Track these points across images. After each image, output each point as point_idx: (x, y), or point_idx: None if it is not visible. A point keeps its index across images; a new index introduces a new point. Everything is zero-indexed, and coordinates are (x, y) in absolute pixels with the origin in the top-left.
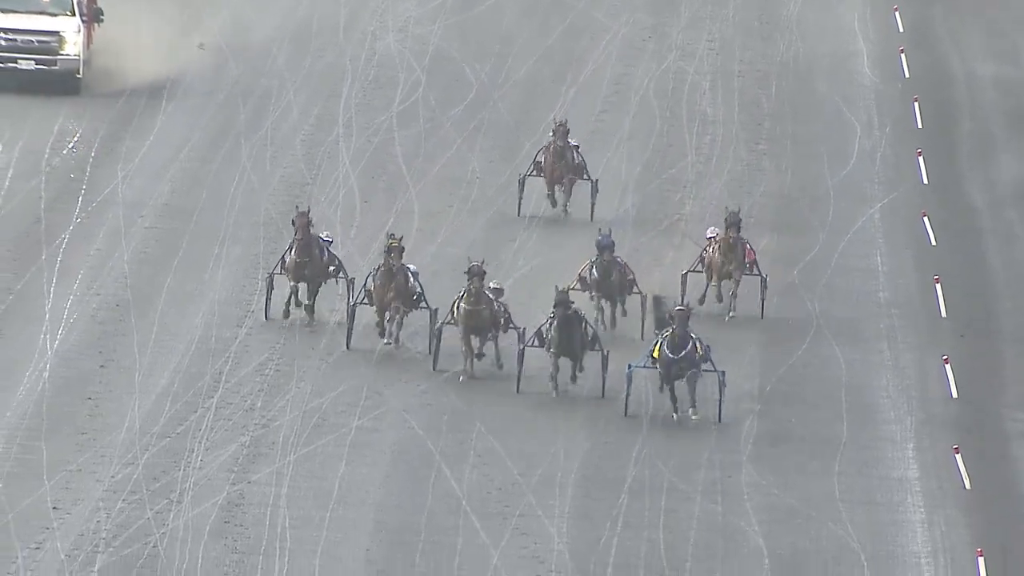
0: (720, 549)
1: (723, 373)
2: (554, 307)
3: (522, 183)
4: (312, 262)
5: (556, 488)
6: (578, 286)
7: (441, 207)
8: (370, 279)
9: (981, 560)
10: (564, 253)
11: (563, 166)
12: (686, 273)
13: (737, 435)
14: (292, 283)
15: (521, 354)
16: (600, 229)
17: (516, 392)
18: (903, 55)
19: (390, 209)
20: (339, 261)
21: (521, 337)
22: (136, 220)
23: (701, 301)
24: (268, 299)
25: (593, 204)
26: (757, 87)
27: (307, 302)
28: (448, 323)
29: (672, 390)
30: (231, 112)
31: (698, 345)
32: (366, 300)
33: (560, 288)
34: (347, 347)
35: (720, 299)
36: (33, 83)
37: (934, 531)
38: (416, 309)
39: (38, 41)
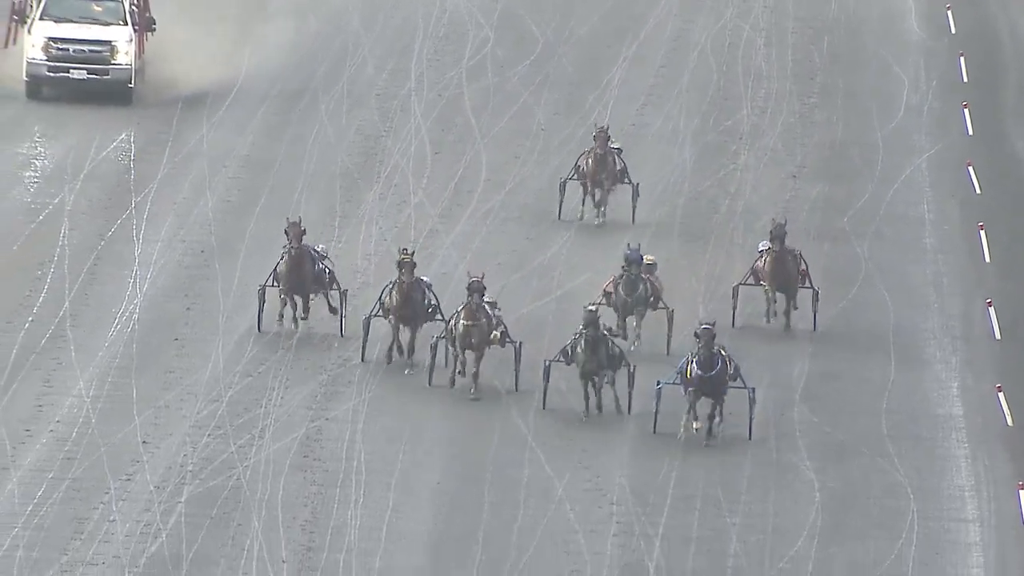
0: (773, 483)
1: (753, 390)
2: (584, 328)
3: (563, 187)
4: (304, 273)
5: (616, 426)
6: (604, 301)
7: (508, 158)
8: (386, 293)
9: (1022, 493)
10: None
11: (604, 172)
12: (737, 286)
13: (789, 376)
14: (283, 296)
15: (547, 370)
16: (628, 244)
17: (543, 408)
18: (950, 12)
19: (459, 161)
20: (331, 272)
21: (518, 352)
22: (220, 170)
23: (767, 318)
24: (260, 311)
25: (634, 207)
26: (809, 43)
27: (302, 316)
28: (442, 338)
29: (693, 407)
30: (309, 69)
31: (728, 363)
32: (380, 313)
33: (588, 307)
34: (362, 359)
35: (771, 312)
36: (85, 92)
37: (977, 466)
38: (432, 321)
39: (90, 51)
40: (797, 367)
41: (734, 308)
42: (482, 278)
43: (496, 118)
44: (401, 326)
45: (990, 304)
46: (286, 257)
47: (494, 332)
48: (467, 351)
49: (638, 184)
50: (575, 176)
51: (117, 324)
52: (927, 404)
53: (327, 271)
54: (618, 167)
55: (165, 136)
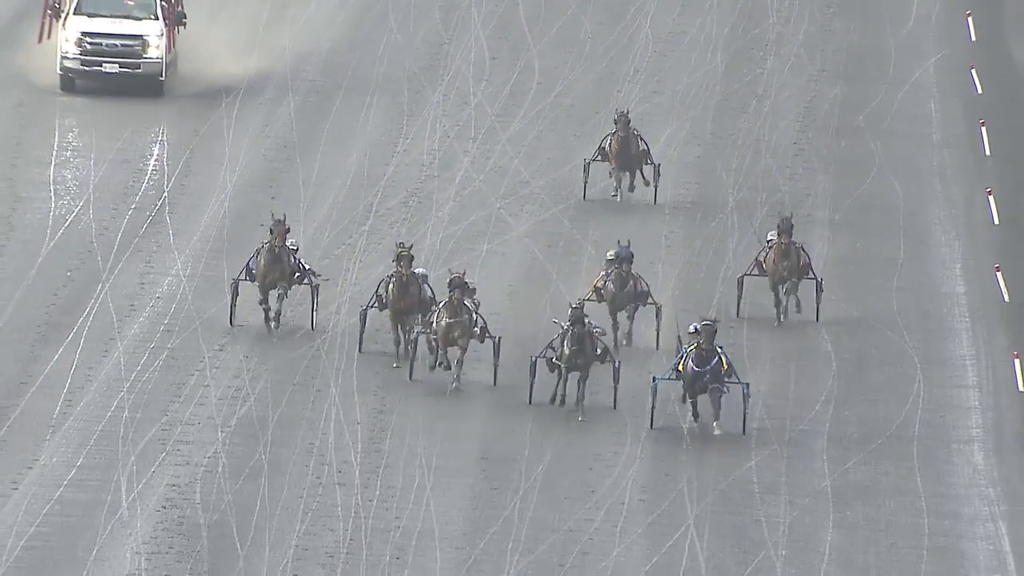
0: (795, 353)
1: (747, 385)
2: (570, 324)
3: (587, 167)
4: (281, 269)
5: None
6: (593, 297)
7: (557, 63)
8: (382, 286)
9: (1017, 362)
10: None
11: (628, 154)
12: (742, 277)
13: (811, 258)
14: (260, 291)
15: (534, 365)
16: (619, 241)
17: (528, 403)
18: None
19: (514, 65)
20: (305, 267)
21: (497, 347)
22: (300, 74)
23: (781, 315)
24: (233, 304)
25: (656, 188)
26: None
27: (276, 308)
28: (423, 333)
29: (695, 404)
30: None
31: (723, 359)
32: (376, 305)
33: (575, 304)
34: (359, 350)
35: (781, 311)
36: (117, 86)
37: (977, 337)
38: (427, 314)
39: (122, 45)
40: (817, 249)
41: (739, 298)
42: (464, 274)
43: (547, 27)
44: (400, 318)
45: (990, 193)
46: (265, 254)
47: (475, 328)
48: (449, 347)
49: (659, 165)
50: (599, 158)
51: (210, 211)
52: (933, 282)
53: (301, 265)
54: (641, 148)
55: (249, 46)
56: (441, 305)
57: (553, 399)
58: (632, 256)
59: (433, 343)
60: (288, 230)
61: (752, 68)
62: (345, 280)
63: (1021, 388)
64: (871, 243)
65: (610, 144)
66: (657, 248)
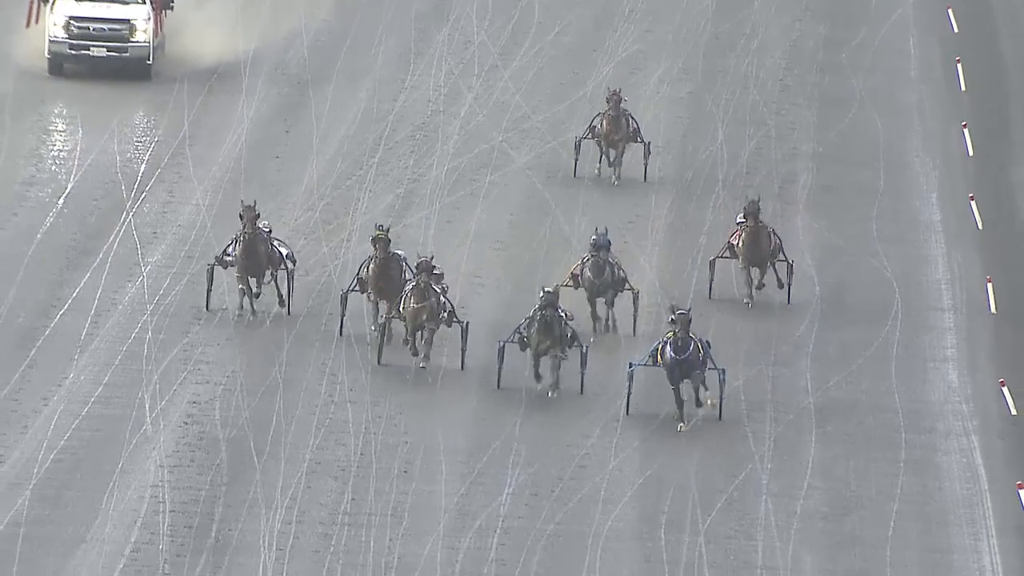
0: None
1: (724, 371)
2: (540, 308)
3: (578, 145)
4: (259, 256)
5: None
6: (571, 283)
7: (556, 4)
8: (363, 268)
9: (989, 286)
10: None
11: (619, 133)
12: (713, 260)
13: (794, 188)
14: (239, 276)
15: (501, 350)
16: (597, 228)
17: (497, 387)
18: None
19: (516, 6)
20: (280, 251)
21: (464, 331)
22: (314, 13)
23: (748, 298)
24: (209, 290)
25: (646, 165)
26: None
27: (256, 289)
28: (394, 317)
29: (677, 391)
30: None
31: (700, 346)
32: (357, 288)
33: (547, 289)
34: (339, 334)
35: (749, 293)
36: (105, 69)
37: (952, 263)
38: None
39: (109, 29)
40: (801, 180)
41: (711, 280)
42: (431, 258)
43: None
44: (380, 300)
45: (965, 126)
46: (241, 241)
47: (443, 312)
48: (418, 331)
49: (649, 143)
50: (590, 136)
51: (227, 144)
52: (910, 211)
53: (278, 251)
54: (631, 127)
55: None
56: (409, 289)
57: (537, 376)
58: (610, 243)
59: (405, 329)
60: (258, 215)
61: (741, 8)
62: (356, 209)
63: (993, 310)
64: (852, 172)
65: (601, 123)
66: (651, 180)
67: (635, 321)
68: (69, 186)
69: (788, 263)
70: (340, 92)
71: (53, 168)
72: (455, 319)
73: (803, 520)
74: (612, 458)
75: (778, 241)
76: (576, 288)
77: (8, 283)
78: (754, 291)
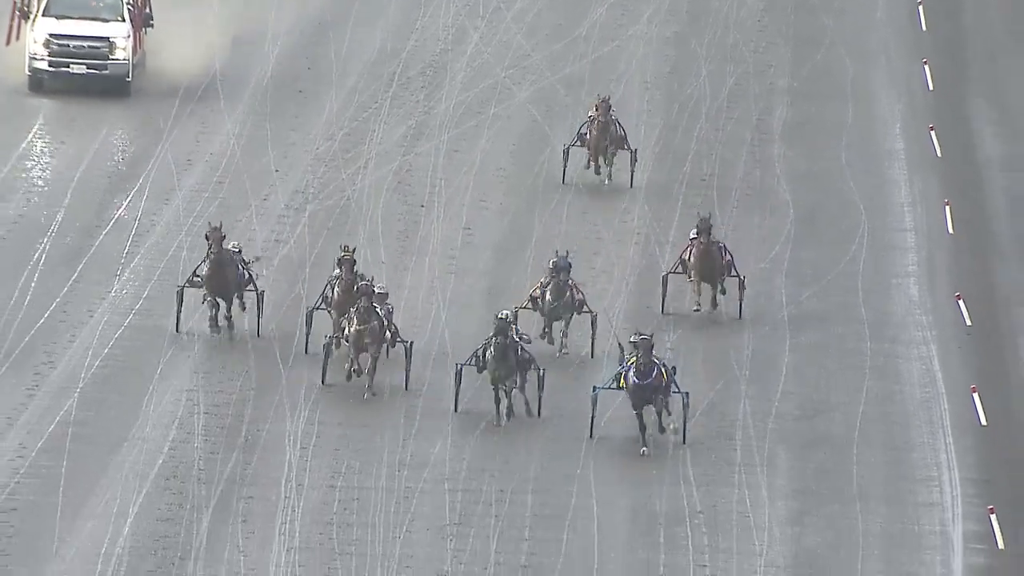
0: (757, 204)
1: (687, 395)
2: (494, 335)
3: (566, 153)
4: (226, 276)
5: (628, 199)
6: (530, 305)
7: None
8: (327, 288)
9: (947, 208)
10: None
11: (607, 139)
12: (666, 275)
13: (770, 121)
14: (208, 297)
15: (459, 375)
16: (556, 251)
17: (454, 411)
18: None
19: None
20: (250, 273)
21: (408, 352)
22: None
23: (697, 306)
24: (179, 311)
25: (633, 172)
26: None
27: (227, 315)
28: (335, 336)
29: (640, 416)
30: None
31: (663, 371)
32: (323, 306)
33: (500, 316)
34: (305, 351)
35: (699, 304)
36: (84, 86)
37: (913, 188)
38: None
39: (89, 47)
40: (777, 113)
41: (663, 296)
42: (372, 281)
43: None
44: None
45: (926, 63)
46: (209, 262)
47: (386, 333)
48: (361, 354)
49: (636, 150)
50: (579, 143)
51: (254, 79)
52: (876, 141)
53: (246, 273)
54: (619, 133)
55: None
56: (352, 311)
57: (498, 416)
58: (570, 266)
59: (348, 351)
60: (224, 237)
61: None
62: (372, 139)
63: (951, 231)
64: (824, 106)
65: (589, 131)
66: (640, 114)
67: (593, 343)
68: (111, 117)
69: (740, 278)
70: (357, 32)
71: (97, 101)
72: (399, 339)
73: (777, 421)
74: (601, 370)
75: (729, 257)
76: (535, 310)
77: (56, 206)
78: (703, 306)
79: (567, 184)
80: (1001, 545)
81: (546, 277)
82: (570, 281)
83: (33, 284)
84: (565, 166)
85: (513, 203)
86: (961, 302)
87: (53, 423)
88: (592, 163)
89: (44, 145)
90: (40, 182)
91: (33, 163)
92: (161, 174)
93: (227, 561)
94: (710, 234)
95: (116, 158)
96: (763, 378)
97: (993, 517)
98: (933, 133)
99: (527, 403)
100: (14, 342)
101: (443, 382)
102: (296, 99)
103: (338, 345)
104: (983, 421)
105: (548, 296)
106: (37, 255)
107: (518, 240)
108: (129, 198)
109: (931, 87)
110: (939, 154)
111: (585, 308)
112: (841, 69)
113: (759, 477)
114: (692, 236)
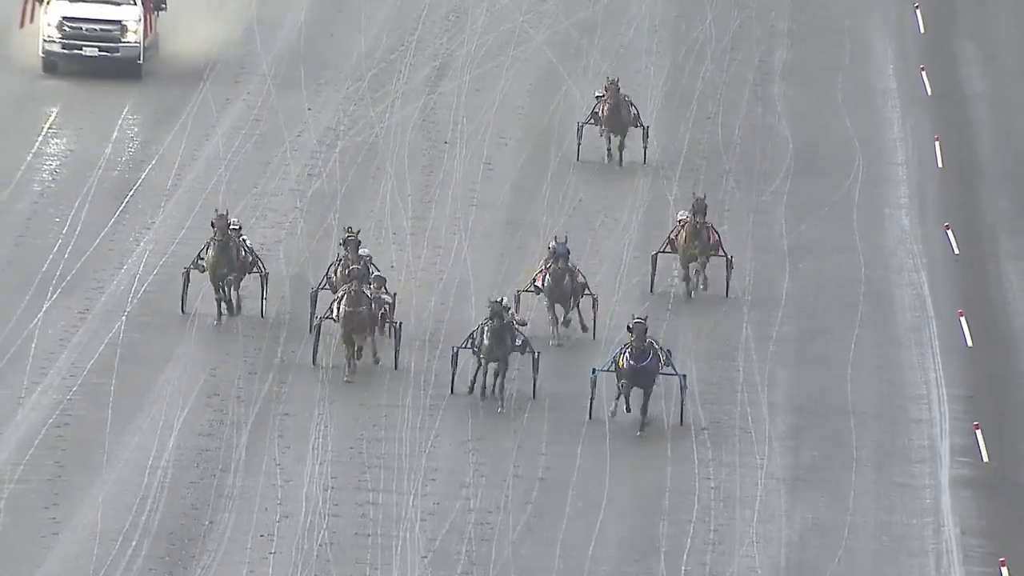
0: (759, 140)
1: (684, 377)
2: (489, 318)
3: (580, 131)
4: (229, 260)
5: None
6: (532, 289)
7: None
8: (332, 269)
9: (937, 144)
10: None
11: (618, 118)
12: (656, 254)
13: (771, 62)
14: (212, 281)
15: (455, 356)
16: (556, 237)
17: (451, 393)
18: None
19: None
20: (254, 255)
21: (398, 333)
22: None
23: (691, 291)
24: (184, 293)
25: (645, 148)
26: None
27: (228, 298)
28: (326, 318)
29: (627, 399)
30: None
31: (660, 354)
32: (327, 286)
33: (494, 299)
34: (309, 331)
35: (686, 279)
36: (97, 69)
37: (905, 125)
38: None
39: (101, 30)
40: (777, 55)
41: (652, 275)
42: (363, 265)
43: None
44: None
45: (917, 7)
46: (213, 246)
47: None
48: (351, 335)
49: (648, 127)
50: (592, 121)
51: (288, 24)
52: (870, 80)
53: (249, 256)
54: (631, 113)
55: None
56: (342, 295)
57: (471, 389)
58: (568, 252)
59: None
60: (228, 224)
61: None
62: (398, 79)
63: (940, 165)
64: (820, 50)
65: (602, 110)
66: (649, 55)
67: (594, 325)
68: (155, 61)
69: (727, 258)
70: None
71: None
72: (388, 320)
73: (777, 343)
74: (615, 293)
75: (717, 236)
76: (537, 294)
77: (105, 141)
78: (692, 287)
79: (581, 161)
80: (985, 458)
81: (548, 263)
82: (571, 266)
83: (84, 215)
84: (579, 143)
85: (530, 140)
86: (949, 231)
87: (103, 344)
88: (605, 143)
89: (88, 91)
90: (91, 118)
91: (82, 103)
92: (202, 112)
93: (264, 473)
94: (705, 214)
95: (160, 98)
96: (764, 302)
97: (978, 432)
98: (924, 73)
99: (503, 389)
100: (66, 268)
101: (466, 313)
102: (328, 42)
103: (317, 328)
104: (969, 342)
105: (549, 281)
106: (87, 187)
107: (535, 175)
108: (172, 134)
109: (922, 30)
110: (929, 93)
111: (587, 291)
112: (838, 13)
113: (760, 395)
114: (679, 218)
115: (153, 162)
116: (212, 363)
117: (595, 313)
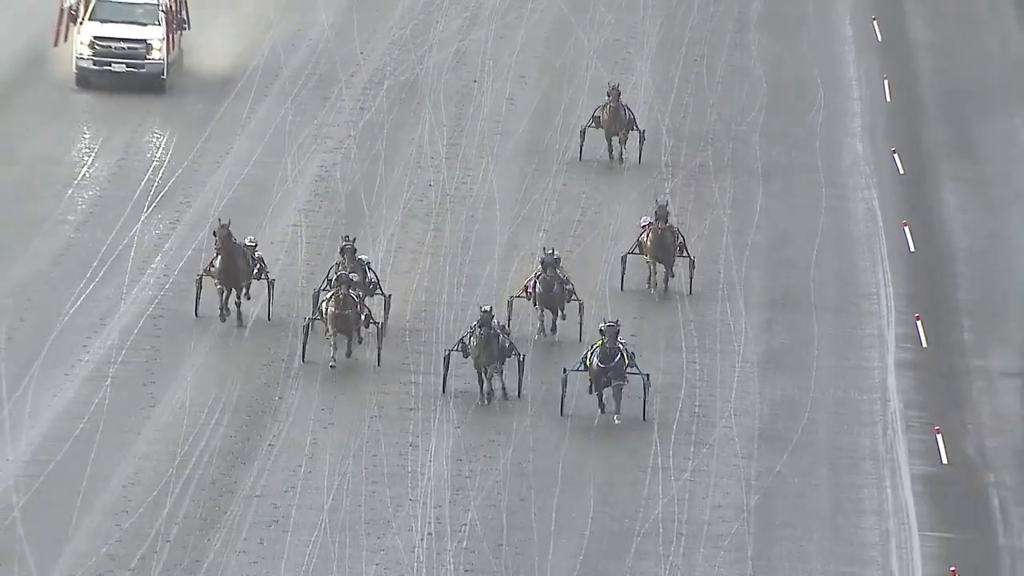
0: (735, 82)
1: (647, 376)
2: (478, 325)
3: (583, 134)
4: (237, 268)
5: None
6: (524, 295)
7: None
8: (332, 271)
9: (885, 82)
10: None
11: (618, 122)
12: (625, 256)
13: (748, 13)
14: (219, 287)
15: (447, 359)
16: (544, 248)
17: (442, 392)
18: None
19: None
20: (262, 263)
21: (382, 331)
22: None
23: (652, 289)
24: (197, 298)
25: (641, 151)
26: None
27: (236, 302)
28: (314, 319)
29: (600, 396)
30: None
31: (625, 356)
32: (327, 287)
33: (484, 308)
34: (311, 326)
35: (653, 282)
36: (124, 84)
37: (859, 66)
38: (371, 296)
39: (128, 48)
40: (752, 8)
41: (623, 274)
42: (349, 272)
43: None
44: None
45: None
46: (220, 255)
47: (363, 316)
48: (338, 335)
49: (644, 131)
50: (593, 124)
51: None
52: (831, 28)
53: (257, 264)
54: (629, 117)
55: None
56: (330, 296)
57: (482, 395)
58: (557, 260)
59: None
60: (229, 235)
61: None
62: (435, 29)
63: (888, 99)
64: (790, 3)
65: (603, 114)
66: (646, 7)
67: (580, 328)
68: (221, 26)
69: (691, 259)
70: None
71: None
72: (372, 320)
73: (752, 250)
74: (615, 218)
75: (682, 239)
76: (528, 299)
77: (192, 74)
78: (658, 286)
79: (584, 161)
80: (924, 344)
81: (537, 270)
82: (560, 273)
83: (175, 139)
84: (582, 145)
85: (547, 78)
86: (896, 155)
87: (190, 248)
88: (607, 144)
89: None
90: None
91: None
92: (272, 54)
93: (314, 419)
94: (667, 220)
95: (233, 45)
96: (741, 215)
97: (919, 322)
98: (875, 22)
99: (504, 388)
100: (164, 179)
101: (491, 229)
102: (360, 18)
103: (305, 328)
104: (912, 248)
105: (539, 287)
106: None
107: (549, 108)
108: (247, 74)
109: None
110: (880, 39)
111: (574, 297)
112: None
113: (737, 292)
114: (643, 224)
115: (232, 96)
116: (281, 258)
117: (581, 317)
